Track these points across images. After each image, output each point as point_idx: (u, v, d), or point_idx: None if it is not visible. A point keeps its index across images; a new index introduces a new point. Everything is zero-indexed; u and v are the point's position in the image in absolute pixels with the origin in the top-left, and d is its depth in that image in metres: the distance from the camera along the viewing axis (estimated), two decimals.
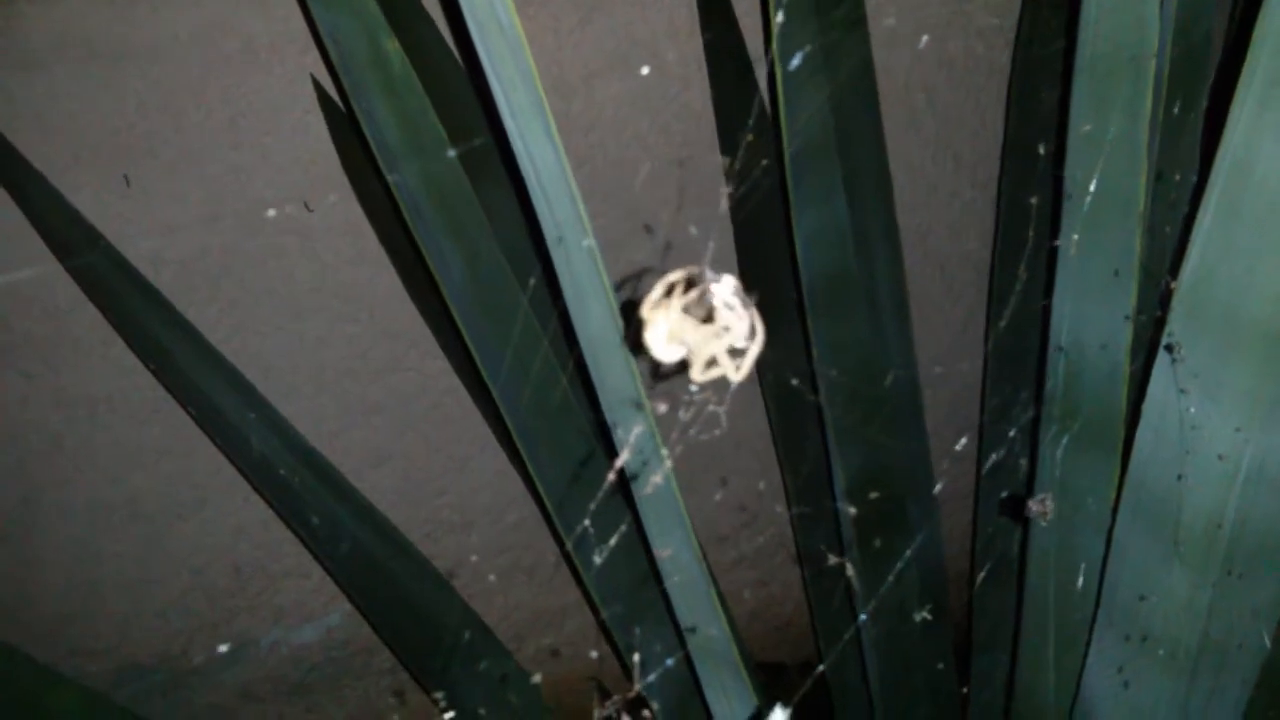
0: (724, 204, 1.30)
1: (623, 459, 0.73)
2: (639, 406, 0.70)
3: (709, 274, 0.61)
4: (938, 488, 1.21)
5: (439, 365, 1.33)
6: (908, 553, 1.14)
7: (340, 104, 1.17)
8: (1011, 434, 1.16)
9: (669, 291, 0.62)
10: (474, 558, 1.47)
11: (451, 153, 0.94)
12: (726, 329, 0.61)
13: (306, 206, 1.22)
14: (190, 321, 1.15)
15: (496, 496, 1.46)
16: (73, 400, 1.21)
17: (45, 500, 1.23)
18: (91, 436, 1.23)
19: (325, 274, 1.26)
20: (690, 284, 0.62)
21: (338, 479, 1.19)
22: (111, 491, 1.26)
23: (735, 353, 0.62)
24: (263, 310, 1.25)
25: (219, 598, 1.36)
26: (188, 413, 1.16)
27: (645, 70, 1.31)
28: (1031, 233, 1.09)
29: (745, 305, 0.61)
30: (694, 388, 0.65)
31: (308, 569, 1.37)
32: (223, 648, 1.37)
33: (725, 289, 0.61)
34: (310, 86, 1.18)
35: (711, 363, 0.62)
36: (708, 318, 0.61)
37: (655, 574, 0.87)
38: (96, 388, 1.22)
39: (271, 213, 1.21)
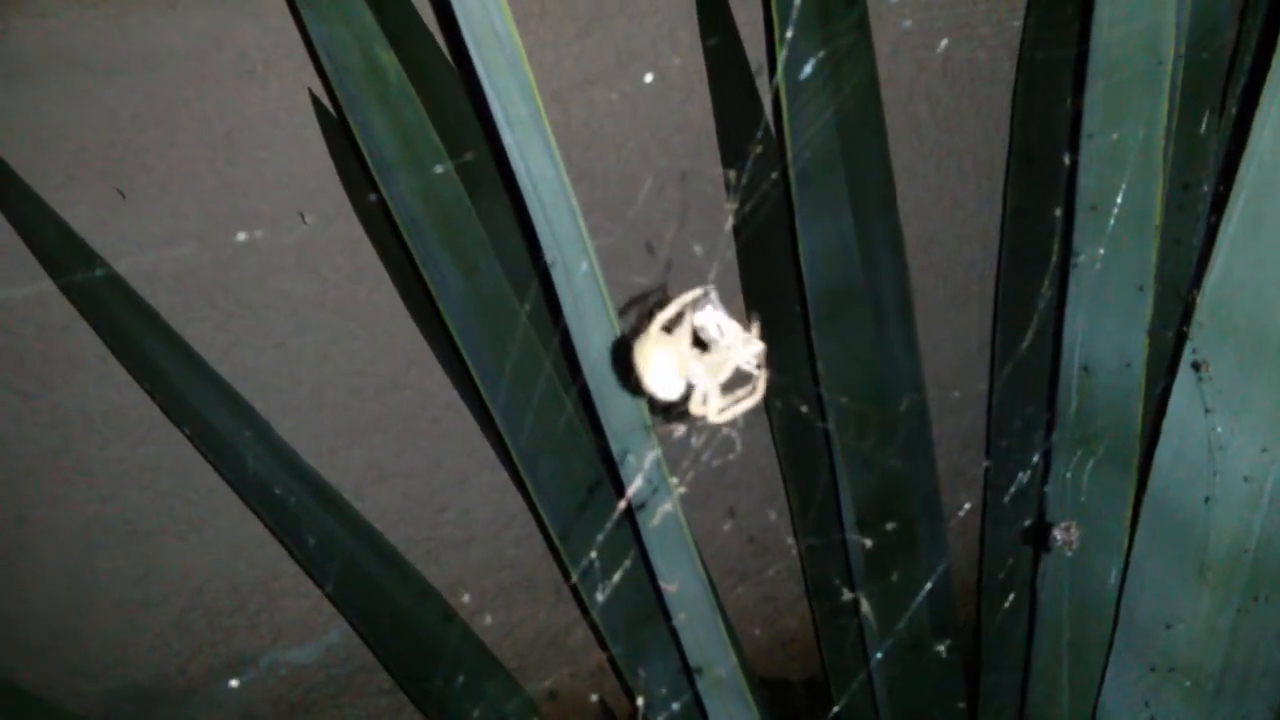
0: (729, 221, 1.26)
1: (634, 487, 0.69)
2: (647, 431, 0.67)
3: (700, 301, 0.57)
4: (963, 511, 1.17)
5: (439, 381, 1.30)
6: (928, 585, 1.10)
7: (337, 118, 1.14)
8: (1026, 455, 1.12)
9: (666, 327, 0.59)
10: (475, 575, 1.44)
11: (449, 167, 0.90)
12: (726, 359, 0.57)
13: (303, 219, 1.19)
14: (186, 339, 1.12)
15: (498, 513, 1.43)
16: (68, 418, 1.18)
17: (40, 518, 1.21)
18: (87, 454, 1.20)
19: (324, 290, 1.23)
20: (678, 313, 0.58)
21: (335, 498, 1.16)
22: (108, 509, 1.23)
23: (740, 378, 0.59)
24: (260, 326, 1.22)
25: (217, 617, 1.33)
26: (183, 433, 1.13)
27: (647, 80, 1.28)
28: (1056, 246, 1.05)
29: (739, 332, 0.57)
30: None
31: (307, 587, 1.34)
32: (231, 681, 1.34)
33: (710, 318, 0.58)
34: (307, 100, 1.15)
35: (725, 391, 0.59)
36: (705, 348, 0.58)
37: (663, 609, 0.83)
38: (92, 405, 1.19)
39: (268, 228, 1.18)
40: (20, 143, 1.05)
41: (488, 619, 1.46)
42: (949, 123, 1.45)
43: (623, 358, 0.62)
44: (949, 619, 1.19)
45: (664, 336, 0.58)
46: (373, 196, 1.05)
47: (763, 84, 1.26)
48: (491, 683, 1.16)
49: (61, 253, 1.07)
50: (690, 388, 0.58)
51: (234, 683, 1.36)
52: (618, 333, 0.66)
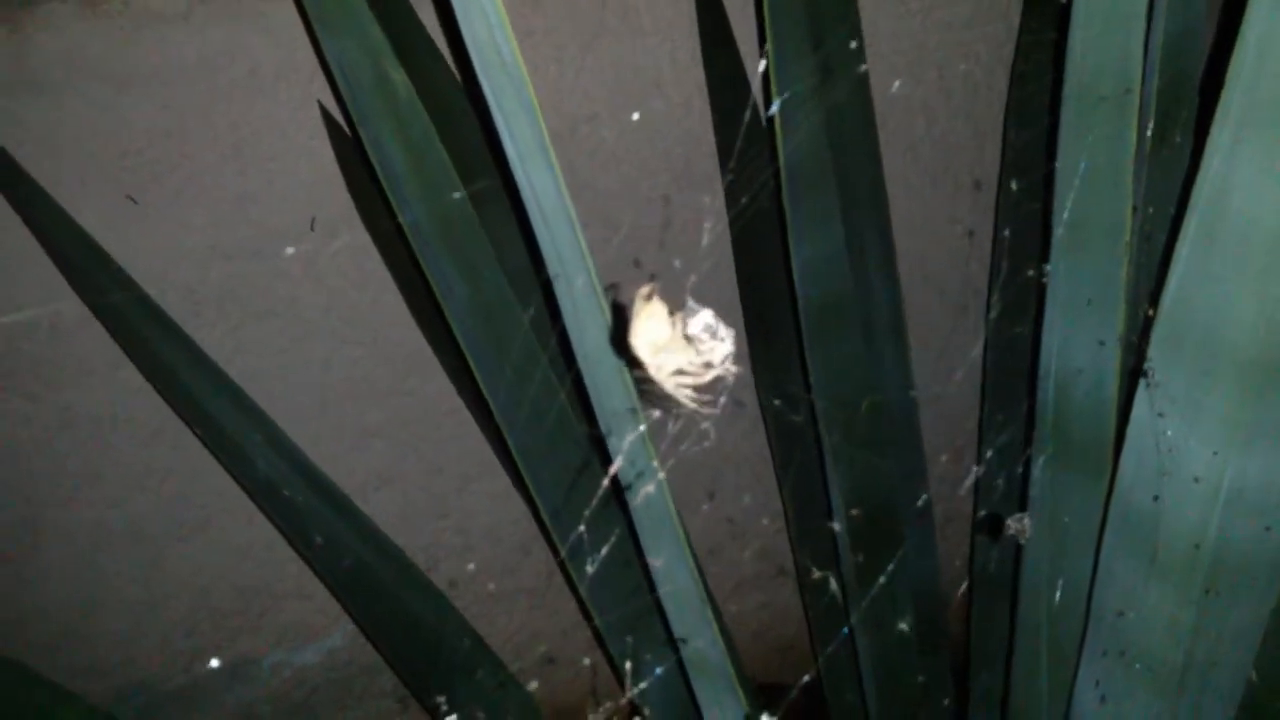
0: (706, 238, 1.34)
1: (616, 466, 0.78)
2: (633, 413, 0.75)
3: (690, 304, 0.65)
4: (936, 510, 1.25)
5: (441, 387, 1.36)
6: (894, 569, 1.18)
7: (346, 130, 1.21)
8: (1003, 457, 1.20)
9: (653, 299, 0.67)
10: (474, 578, 1.50)
11: (458, 184, 0.98)
12: (701, 354, 0.66)
13: (310, 227, 1.26)
14: (196, 343, 1.18)
15: (498, 518, 1.49)
16: (76, 421, 1.24)
17: (48, 520, 1.27)
18: (95, 457, 1.26)
19: (330, 297, 1.30)
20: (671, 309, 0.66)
21: (341, 499, 1.22)
22: (114, 512, 1.29)
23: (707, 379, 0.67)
24: (267, 333, 1.29)
25: (221, 619, 1.39)
26: (195, 433, 1.20)
27: (648, 99, 1.35)
28: (1005, 262, 1.14)
29: (718, 338, 0.65)
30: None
31: (310, 589, 1.40)
32: (235, 682, 1.40)
33: (697, 324, 0.66)
34: (316, 112, 1.22)
35: (681, 374, 0.67)
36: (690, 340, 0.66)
37: (649, 583, 0.91)
38: (100, 408, 1.25)
39: (276, 236, 1.26)
40: (36, 150, 1.11)
41: (488, 620, 1.53)
42: (945, 139, 1.52)
43: (621, 318, 0.70)
44: (934, 608, 1.28)
45: (663, 308, 0.66)
46: (382, 211, 1.13)
47: (760, 96, 1.33)
48: (494, 685, 1.23)
49: (77, 258, 1.13)
50: (662, 360, 0.66)
51: (237, 684, 1.42)
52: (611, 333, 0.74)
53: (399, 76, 0.96)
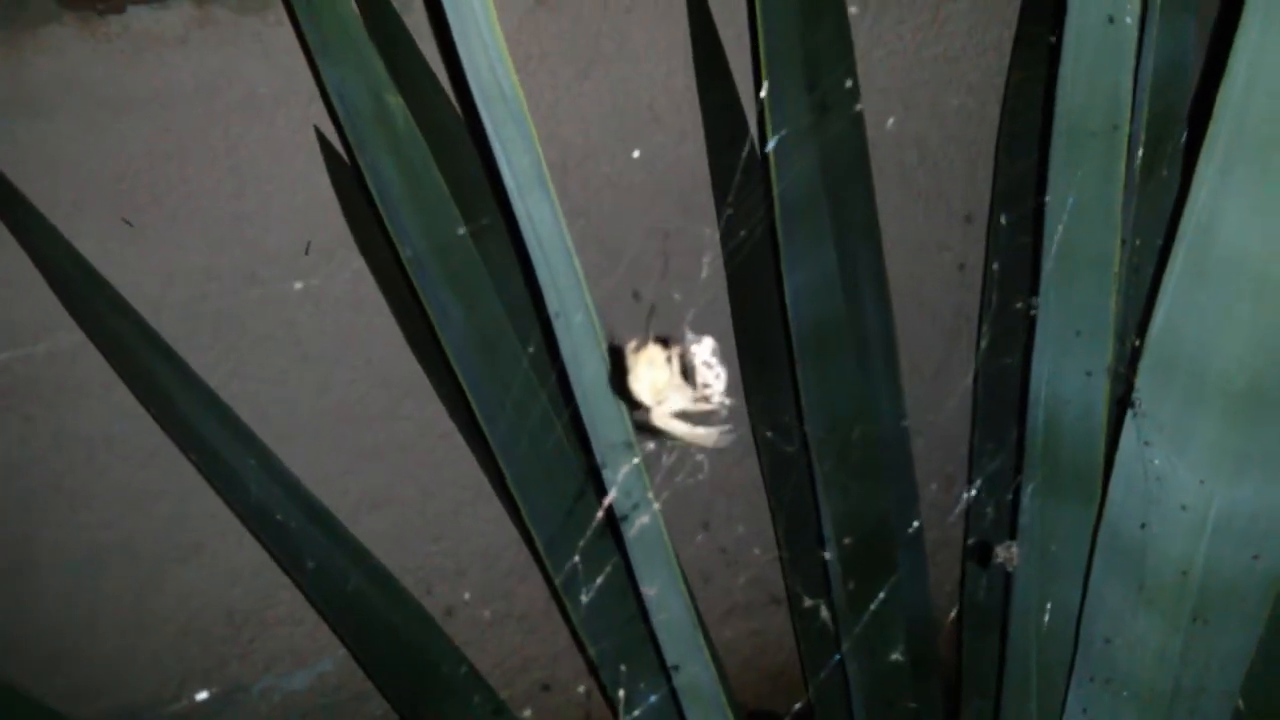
0: (706, 271, 1.35)
1: (611, 497, 0.79)
2: (629, 447, 0.76)
3: (689, 336, 0.67)
4: (926, 537, 1.27)
5: (435, 412, 1.37)
6: (885, 597, 1.20)
7: (344, 155, 1.23)
8: (993, 485, 1.22)
9: (648, 344, 0.68)
10: (467, 604, 1.51)
11: (455, 213, 0.99)
12: (705, 387, 0.67)
13: (306, 250, 1.27)
14: (190, 366, 1.18)
15: (490, 543, 1.50)
16: (72, 442, 1.25)
17: (42, 541, 1.27)
18: (90, 479, 1.27)
19: (324, 321, 1.31)
20: (668, 343, 0.68)
21: (334, 524, 1.23)
22: (108, 534, 1.30)
23: (707, 413, 0.69)
24: (261, 356, 1.30)
25: (212, 643, 1.40)
26: (188, 458, 1.21)
27: (642, 127, 1.37)
28: (995, 294, 1.17)
29: (723, 367, 0.67)
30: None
31: (300, 615, 1.41)
32: (203, 694, 1.41)
33: (704, 350, 0.67)
34: (313, 137, 1.24)
35: (682, 415, 0.68)
36: (688, 377, 0.68)
37: (642, 611, 0.92)
38: (96, 430, 1.26)
39: (272, 259, 1.27)
40: (33, 172, 1.12)
41: (479, 645, 1.53)
42: (937, 167, 1.55)
43: (618, 362, 0.71)
44: (926, 634, 1.29)
45: (660, 351, 0.68)
46: (378, 237, 1.14)
47: (756, 128, 1.35)
48: (488, 711, 1.24)
49: (73, 280, 1.14)
50: (663, 400, 0.68)
51: (226, 709, 1.43)
52: (609, 367, 0.75)
53: (396, 103, 0.97)
